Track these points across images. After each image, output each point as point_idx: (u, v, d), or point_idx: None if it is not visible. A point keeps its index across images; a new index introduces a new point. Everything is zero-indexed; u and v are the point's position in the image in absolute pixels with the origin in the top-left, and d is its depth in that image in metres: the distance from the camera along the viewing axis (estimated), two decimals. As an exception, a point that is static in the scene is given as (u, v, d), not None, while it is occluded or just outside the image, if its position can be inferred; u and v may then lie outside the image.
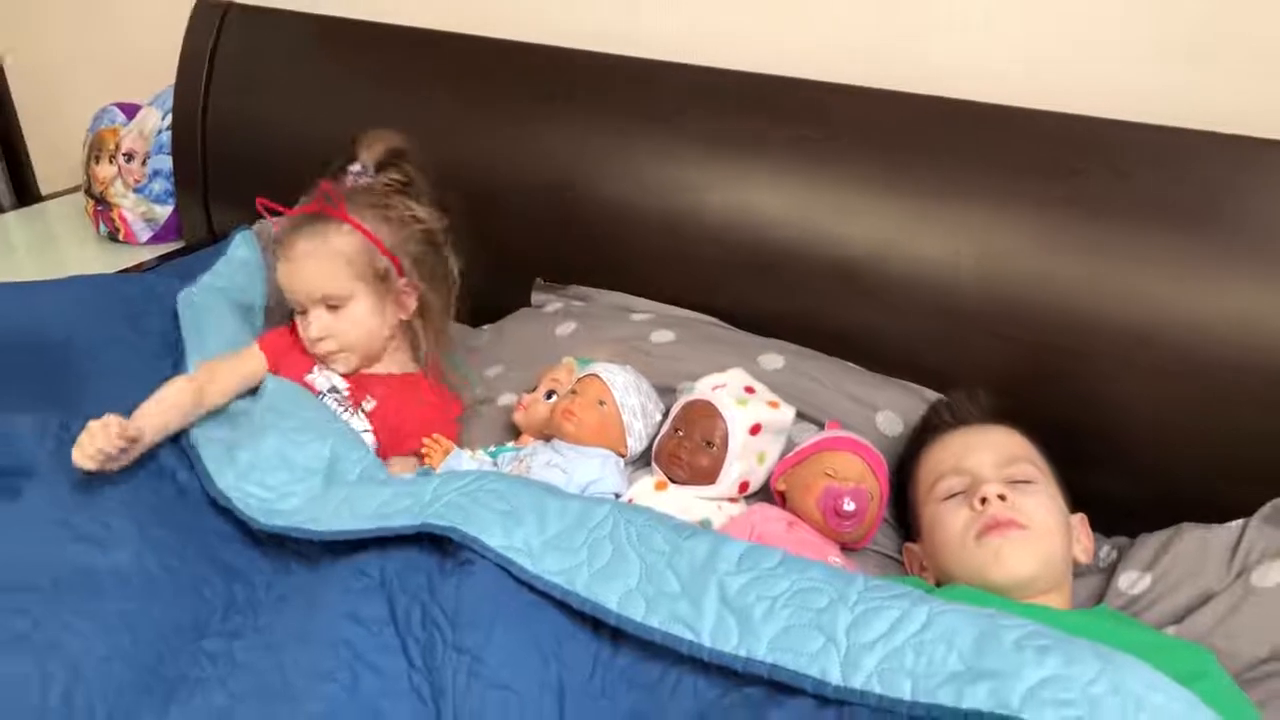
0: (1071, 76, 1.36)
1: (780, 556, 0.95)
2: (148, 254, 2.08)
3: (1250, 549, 1.07)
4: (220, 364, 1.28)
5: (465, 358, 1.52)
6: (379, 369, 1.37)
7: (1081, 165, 1.28)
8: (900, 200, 1.39)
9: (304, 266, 1.28)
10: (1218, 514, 1.14)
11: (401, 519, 1.03)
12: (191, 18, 2.01)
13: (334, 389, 1.33)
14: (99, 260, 2.11)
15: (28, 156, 2.70)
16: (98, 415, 1.11)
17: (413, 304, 1.35)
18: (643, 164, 1.56)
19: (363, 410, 1.32)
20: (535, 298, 1.65)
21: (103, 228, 2.18)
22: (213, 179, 2.02)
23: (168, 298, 1.44)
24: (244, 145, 1.95)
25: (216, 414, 1.26)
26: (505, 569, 0.98)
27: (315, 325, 1.29)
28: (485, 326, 1.65)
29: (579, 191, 1.61)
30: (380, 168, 1.36)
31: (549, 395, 1.33)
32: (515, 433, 1.37)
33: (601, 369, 1.27)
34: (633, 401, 1.25)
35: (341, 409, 1.31)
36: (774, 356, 1.35)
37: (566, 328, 1.51)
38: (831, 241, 1.43)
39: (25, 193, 2.72)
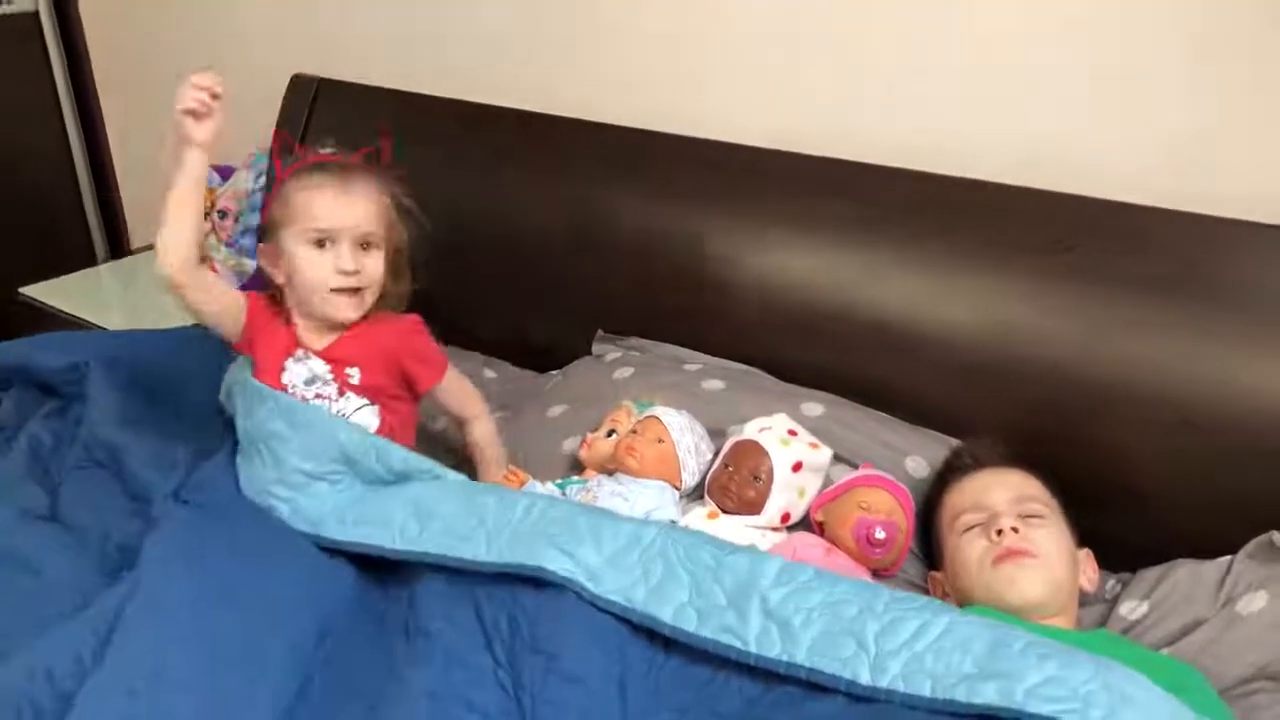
0: (1078, 162, 1.52)
1: (813, 571, 1.09)
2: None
3: (1236, 581, 1.21)
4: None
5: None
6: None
7: (1099, 244, 1.44)
8: (927, 270, 1.55)
9: (357, 201, 1.34)
10: (1208, 551, 1.28)
11: (470, 550, 1.17)
12: (288, 91, 2.22)
13: (315, 377, 1.37)
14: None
15: (123, 212, 2.93)
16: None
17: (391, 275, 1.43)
18: (700, 233, 1.73)
19: (350, 384, 1.37)
20: (596, 348, 1.82)
21: (196, 278, 2.38)
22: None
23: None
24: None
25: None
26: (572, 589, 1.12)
27: (351, 257, 1.33)
28: (553, 372, 1.82)
29: (638, 256, 1.79)
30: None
31: (610, 434, 1.49)
32: (579, 467, 1.54)
33: (660, 411, 1.44)
34: (688, 440, 1.41)
35: (328, 398, 1.37)
36: (814, 405, 1.52)
37: (624, 373, 1.68)
38: (865, 305, 1.59)
39: (118, 246, 2.94)
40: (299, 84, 2.21)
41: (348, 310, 1.36)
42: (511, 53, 2.03)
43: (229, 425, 1.44)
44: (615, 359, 1.75)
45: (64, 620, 1.14)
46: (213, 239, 2.34)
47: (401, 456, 1.32)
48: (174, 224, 1.27)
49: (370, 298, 1.38)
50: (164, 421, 1.49)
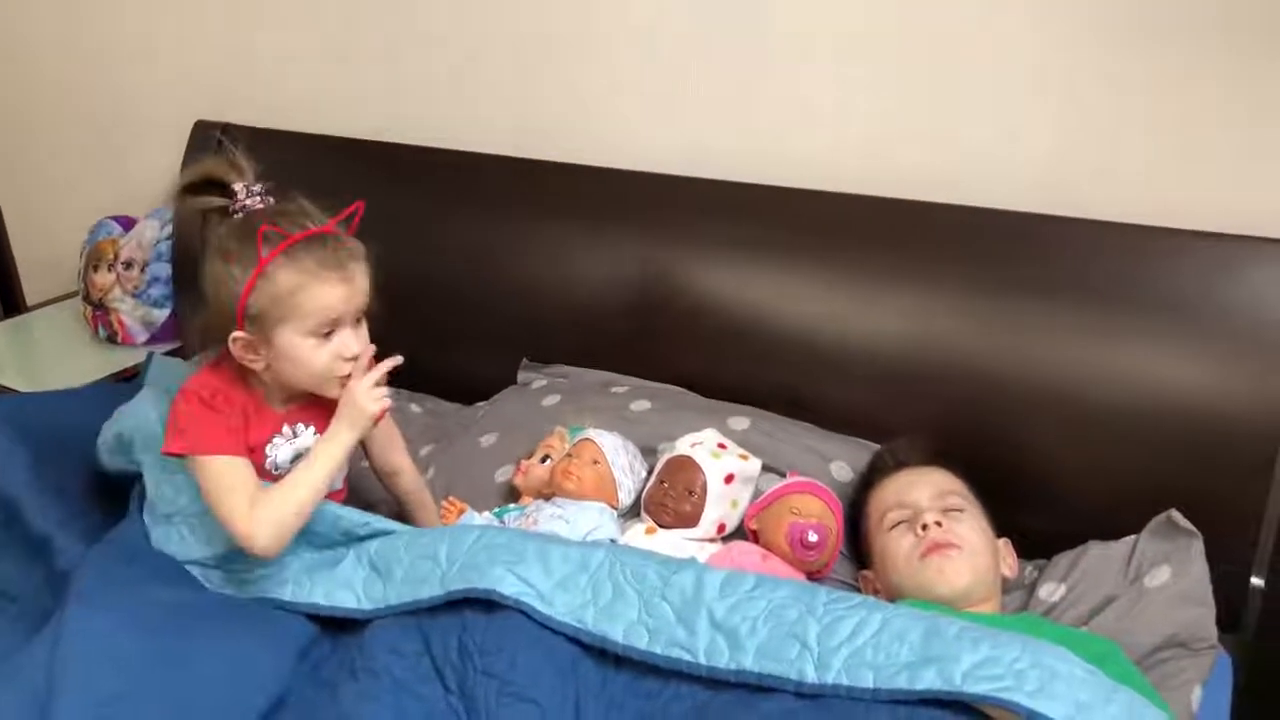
0: (998, 176, 1.60)
1: (755, 580, 1.13)
2: (145, 354, 2.23)
3: (1141, 559, 1.30)
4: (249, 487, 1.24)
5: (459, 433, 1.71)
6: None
7: (1001, 252, 1.53)
8: (839, 285, 1.62)
9: (359, 283, 1.25)
10: (1115, 533, 1.37)
11: (428, 590, 1.18)
12: (191, 137, 2.20)
13: (300, 455, 1.31)
14: (99, 360, 2.25)
15: (15, 268, 2.83)
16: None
17: None
18: (617, 261, 1.78)
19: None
20: (522, 376, 1.85)
21: (101, 330, 2.32)
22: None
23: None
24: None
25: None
26: (522, 611, 1.15)
27: (355, 340, 1.25)
28: (480, 404, 1.84)
29: (557, 286, 1.83)
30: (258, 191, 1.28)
31: (544, 459, 1.51)
32: (513, 495, 1.55)
33: (593, 433, 1.47)
34: (622, 460, 1.45)
35: None
36: (740, 419, 1.57)
37: (552, 400, 1.71)
38: (781, 321, 1.65)
39: (11, 304, 2.84)
40: (202, 130, 2.18)
41: (341, 388, 1.27)
42: (431, 90, 2.04)
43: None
44: (541, 386, 1.78)
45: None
46: (117, 290, 2.29)
47: (363, 523, 1.30)
48: (307, 516, 1.23)
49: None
50: (71, 477, 1.45)
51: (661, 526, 1.39)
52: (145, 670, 1.10)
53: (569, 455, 1.46)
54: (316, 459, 1.24)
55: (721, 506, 1.40)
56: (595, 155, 1.84)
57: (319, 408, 1.32)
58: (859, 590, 1.39)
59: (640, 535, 1.38)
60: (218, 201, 1.27)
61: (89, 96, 2.48)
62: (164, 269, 2.27)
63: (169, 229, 2.25)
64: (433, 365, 1.94)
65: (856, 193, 1.64)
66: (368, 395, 1.23)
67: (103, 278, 2.30)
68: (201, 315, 1.28)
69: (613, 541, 1.35)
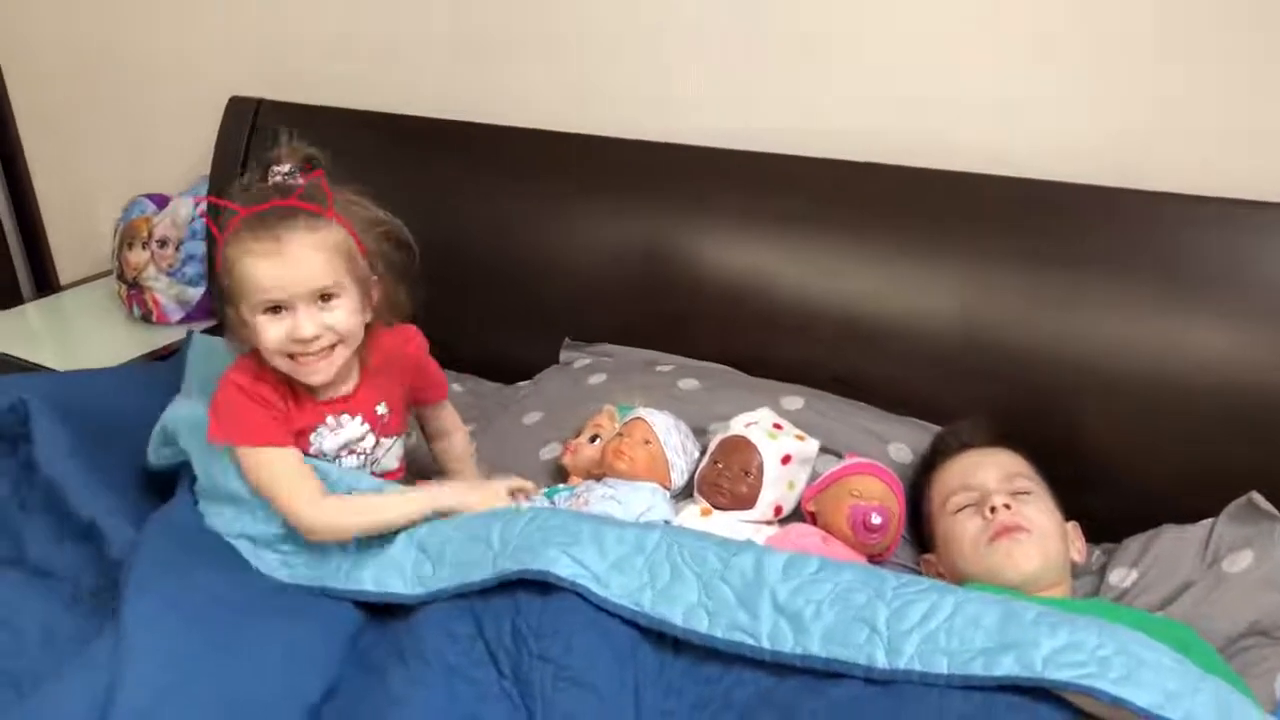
0: (1053, 148, 1.54)
1: (819, 562, 1.10)
2: (180, 333, 2.21)
3: (1219, 543, 1.25)
4: (311, 477, 1.25)
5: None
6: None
7: (1057, 226, 1.48)
8: (888, 259, 1.58)
9: (300, 259, 1.17)
10: (1187, 517, 1.32)
11: (479, 572, 1.15)
12: (226, 113, 2.17)
13: (350, 440, 1.30)
14: (133, 339, 2.23)
15: (49, 247, 2.82)
16: None
17: (376, 299, 1.30)
18: (661, 239, 1.74)
19: (383, 424, 1.32)
20: (564, 355, 1.81)
21: (136, 310, 2.31)
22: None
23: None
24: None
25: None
26: (578, 593, 1.11)
27: (309, 322, 1.18)
28: (521, 384, 1.80)
29: (600, 264, 1.79)
30: (302, 172, 1.25)
31: (594, 439, 1.48)
32: (561, 475, 1.52)
33: (645, 413, 1.43)
34: (674, 440, 1.41)
35: (363, 452, 1.32)
36: (793, 398, 1.53)
37: (597, 379, 1.67)
38: (829, 298, 1.61)
39: (45, 283, 2.83)
40: (237, 106, 2.15)
41: (316, 374, 1.23)
42: (465, 64, 2.00)
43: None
44: (585, 365, 1.74)
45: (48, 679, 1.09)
46: (151, 269, 2.27)
47: None
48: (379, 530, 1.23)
49: (347, 350, 1.25)
50: (113, 460, 1.42)
51: (716, 508, 1.35)
52: (198, 661, 1.08)
53: (620, 434, 1.42)
54: (413, 503, 1.24)
55: (778, 488, 1.36)
56: (641, 128, 1.79)
57: (360, 397, 1.30)
58: (921, 574, 1.34)
59: (695, 517, 1.34)
60: None
61: (122, 71, 2.45)
62: (198, 247, 2.25)
63: (203, 206, 2.23)
64: (473, 344, 1.92)
65: (910, 165, 1.59)
66: (500, 499, 1.27)
67: (137, 256, 2.28)
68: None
69: (666, 523, 1.31)
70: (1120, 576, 1.29)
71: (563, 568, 1.11)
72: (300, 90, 2.13)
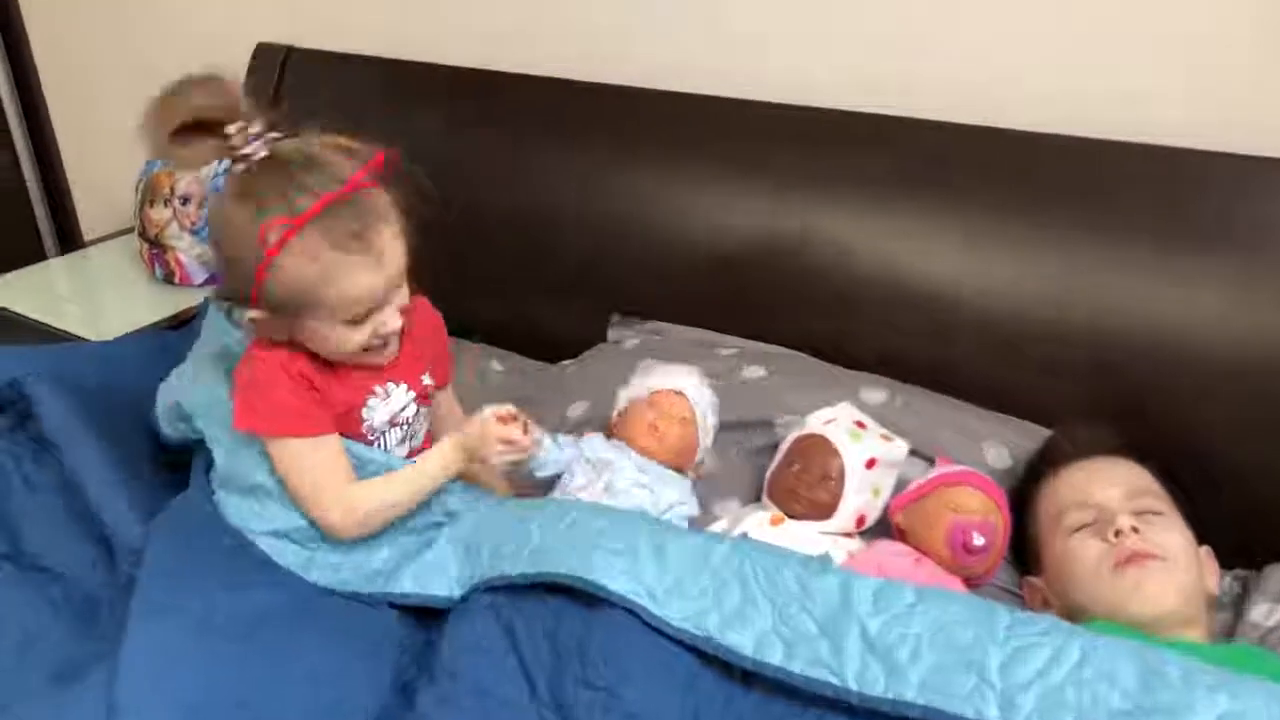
0: (1178, 114, 1.36)
1: (915, 593, 0.94)
2: (203, 296, 2.08)
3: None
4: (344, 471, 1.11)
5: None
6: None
7: (1179, 197, 1.29)
8: (993, 235, 1.39)
9: (390, 255, 1.02)
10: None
11: (518, 565, 1.02)
12: (252, 60, 2.02)
13: (396, 418, 1.16)
14: (156, 301, 2.10)
15: (73, 202, 2.70)
16: None
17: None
18: (722, 202, 1.56)
19: (426, 392, 1.19)
20: (612, 333, 1.64)
21: (158, 270, 2.17)
22: (273, 220, 2.03)
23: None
24: (306, 186, 1.96)
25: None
26: (630, 611, 0.97)
27: (395, 316, 1.06)
28: (566, 363, 1.64)
29: (656, 230, 1.61)
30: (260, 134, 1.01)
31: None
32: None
33: (685, 383, 1.27)
34: (710, 423, 1.27)
35: (405, 422, 1.17)
36: (875, 390, 1.35)
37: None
38: (910, 272, 1.43)
39: (68, 239, 2.72)
40: (264, 53, 2.01)
41: (385, 355, 1.11)
42: (514, 8, 1.82)
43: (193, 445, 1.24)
44: (635, 346, 1.57)
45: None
46: (174, 227, 2.13)
47: (457, 497, 1.14)
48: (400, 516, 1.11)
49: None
50: (125, 438, 1.29)
51: (790, 516, 1.19)
52: (224, 688, 0.95)
53: (651, 404, 1.26)
54: (424, 473, 1.11)
55: (862, 496, 1.18)
56: (696, 81, 1.61)
57: (404, 365, 1.15)
58: (1022, 600, 1.17)
59: (764, 525, 1.18)
60: (211, 151, 1.01)
61: (144, 18, 2.31)
62: (223, 205, 2.10)
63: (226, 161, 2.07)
64: (513, 316, 1.76)
65: (1018, 128, 1.39)
66: (492, 444, 1.09)
67: (158, 213, 2.15)
68: (221, 276, 1.08)
69: (691, 522, 1.18)
70: (1264, 613, 1.11)
71: (617, 581, 0.97)
72: (330, 37, 1.97)
